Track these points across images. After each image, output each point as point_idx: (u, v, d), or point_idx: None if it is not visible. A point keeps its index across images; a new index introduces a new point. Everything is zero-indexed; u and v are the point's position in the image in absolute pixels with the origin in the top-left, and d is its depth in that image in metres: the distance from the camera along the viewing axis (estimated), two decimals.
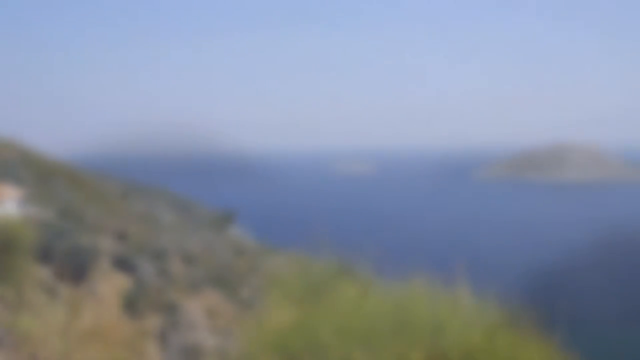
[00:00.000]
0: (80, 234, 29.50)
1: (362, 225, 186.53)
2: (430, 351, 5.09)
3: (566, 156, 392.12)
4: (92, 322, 6.74)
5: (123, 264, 30.72)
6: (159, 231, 48.11)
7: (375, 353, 5.05)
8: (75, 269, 23.72)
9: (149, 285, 27.70)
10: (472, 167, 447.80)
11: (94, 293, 25.04)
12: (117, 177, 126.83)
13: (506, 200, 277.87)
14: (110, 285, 28.31)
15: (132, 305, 24.83)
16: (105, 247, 33.42)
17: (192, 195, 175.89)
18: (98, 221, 41.51)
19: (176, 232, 52.19)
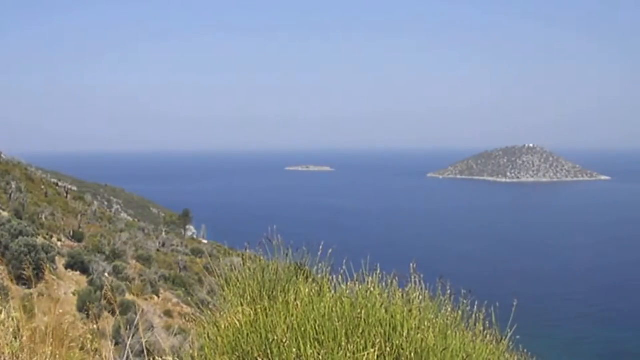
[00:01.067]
0: (35, 234, 29.10)
1: (318, 224, 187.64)
2: (384, 350, 5.14)
3: (521, 158, 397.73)
4: (46, 322, 6.65)
5: (78, 264, 30.39)
6: (115, 231, 47.66)
7: (329, 352, 5.08)
8: (30, 269, 23.40)
9: (105, 285, 27.40)
10: (428, 168, 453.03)
11: (49, 293, 24.73)
12: (73, 176, 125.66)
13: (458, 199, 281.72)
14: (65, 286, 27.99)
15: (87, 305, 24.57)
16: (60, 247, 33.02)
17: (148, 195, 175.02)
18: (53, 221, 40.98)
19: (132, 232, 51.72)
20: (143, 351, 8.02)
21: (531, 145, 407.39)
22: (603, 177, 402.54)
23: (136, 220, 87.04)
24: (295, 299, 5.91)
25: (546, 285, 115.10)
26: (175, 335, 22.61)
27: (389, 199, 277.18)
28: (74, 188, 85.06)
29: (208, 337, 6.03)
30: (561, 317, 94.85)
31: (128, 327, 21.54)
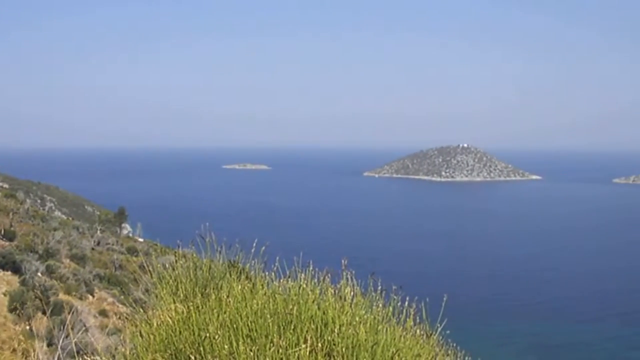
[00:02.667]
0: None
1: (254, 222, 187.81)
2: (316, 346, 5.19)
3: (455, 158, 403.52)
4: None
5: (10, 264, 29.75)
6: (48, 230, 46.72)
7: (262, 348, 5.11)
8: None
9: (37, 285, 26.89)
10: (364, 167, 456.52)
11: None
12: (5, 174, 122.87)
13: (392, 198, 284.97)
14: None
15: (19, 306, 24.09)
16: None
17: (83, 193, 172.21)
18: None
19: (66, 230, 50.79)
20: (76, 352, 7.91)
21: (465, 145, 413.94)
22: (534, 177, 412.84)
23: (70, 218, 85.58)
24: (228, 296, 5.93)
25: (478, 282, 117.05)
26: (111, 335, 22.33)
27: (324, 197, 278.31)
28: (6, 185, 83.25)
29: (141, 335, 6.00)
30: (492, 312, 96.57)
31: (61, 327, 21.19)
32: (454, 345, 6.32)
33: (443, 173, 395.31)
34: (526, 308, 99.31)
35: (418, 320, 6.02)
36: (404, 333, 5.80)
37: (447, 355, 6.18)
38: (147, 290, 7.60)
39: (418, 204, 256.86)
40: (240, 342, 5.16)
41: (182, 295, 6.46)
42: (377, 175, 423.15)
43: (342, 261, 6.05)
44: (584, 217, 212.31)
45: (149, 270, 6.91)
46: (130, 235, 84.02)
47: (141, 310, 6.46)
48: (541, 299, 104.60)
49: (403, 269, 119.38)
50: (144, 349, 5.78)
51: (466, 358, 6.43)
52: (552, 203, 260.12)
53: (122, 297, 33.83)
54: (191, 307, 5.88)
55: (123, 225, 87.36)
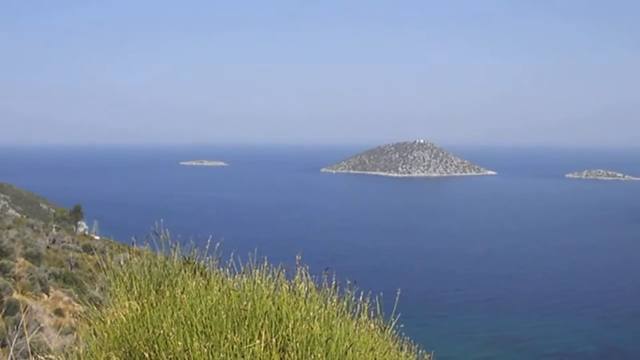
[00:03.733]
0: None
1: (210, 218, 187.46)
2: (270, 341, 5.21)
3: (412, 154, 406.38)
4: None
5: None
6: (1, 228, 46.04)
7: (216, 344, 5.12)
8: None
9: None
10: (321, 163, 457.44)
11: None
12: None
13: (349, 193, 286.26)
14: None
15: None
16: None
17: (38, 190, 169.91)
18: None
19: (20, 228, 50.07)
20: (30, 352, 7.82)
21: (422, 141, 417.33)
22: (489, 172, 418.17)
23: (25, 216, 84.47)
24: (183, 293, 5.92)
25: (436, 278, 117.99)
26: (66, 334, 22.10)
27: (281, 193, 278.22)
28: None
29: (94, 334, 5.96)
30: (450, 307, 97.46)
31: (15, 327, 20.92)
32: (408, 339, 6.38)
33: (400, 169, 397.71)
34: (484, 303, 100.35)
35: (372, 315, 6.07)
36: (358, 327, 5.86)
37: (402, 349, 6.23)
38: (102, 289, 7.54)
39: (374, 200, 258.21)
40: (194, 339, 5.16)
41: (136, 292, 6.42)
42: (334, 172, 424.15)
43: (297, 257, 6.08)
44: (537, 213, 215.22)
45: (103, 268, 6.87)
46: (87, 233, 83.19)
47: (95, 308, 6.41)
48: (498, 294, 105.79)
49: (358, 264, 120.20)
50: (98, 348, 5.75)
51: (420, 351, 6.49)
52: (506, 198, 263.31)
53: (78, 295, 33.50)
54: (145, 305, 5.87)
55: (79, 223, 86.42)
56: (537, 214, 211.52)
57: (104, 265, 6.84)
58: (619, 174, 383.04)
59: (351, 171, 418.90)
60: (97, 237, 71.99)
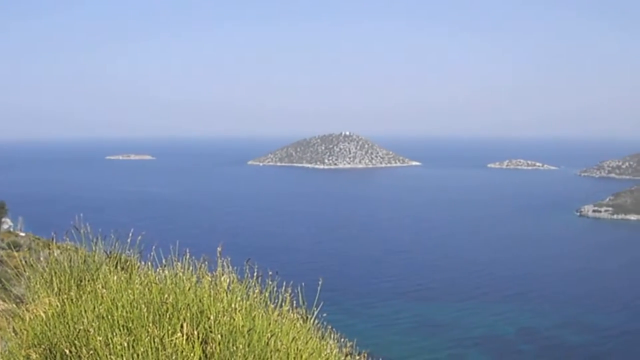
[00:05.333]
0: None
1: (136, 211, 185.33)
2: (192, 334, 5.21)
3: (338, 146, 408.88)
4: None
5: None
6: None
7: (137, 338, 5.10)
8: None
9: None
10: (248, 156, 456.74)
11: None
12: None
13: (275, 185, 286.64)
14: None
15: None
16: None
17: None
18: None
19: None
20: None
21: (348, 133, 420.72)
22: (414, 163, 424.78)
23: None
24: (104, 287, 5.87)
25: (363, 266, 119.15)
26: None
27: (207, 186, 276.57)
28: None
29: (14, 331, 5.87)
30: (376, 294, 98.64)
31: None
32: (330, 327, 6.45)
33: (326, 160, 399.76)
34: (411, 291, 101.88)
35: (295, 305, 6.13)
36: (280, 318, 5.91)
37: (324, 337, 6.30)
38: (28, 286, 7.41)
39: (299, 191, 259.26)
40: (115, 333, 5.13)
41: (56, 288, 6.34)
42: (261, 164, 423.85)
43: (218, 248, 6.09)
44: (460, 203, 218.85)
45: (22, 265, 6.76)
46: (12, 229, 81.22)
47: (14, 306, 6.32)
48: (423, 281, 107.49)
49: (283, 254, 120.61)
50: (17, 346, 5.65)
51: (342, 339, 6.57)
52: (430, 188, 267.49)
53: (4, 294, 32.73)
54: (66, 300, 5.80)
55: (4, 219, 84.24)
56: (460, 204, 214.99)
57: (22, 262, 6.74)
58: (538, 164, 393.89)
59: (278, 163, 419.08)
60: (22, 234, 70.32)
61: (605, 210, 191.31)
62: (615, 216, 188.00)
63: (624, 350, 79.96)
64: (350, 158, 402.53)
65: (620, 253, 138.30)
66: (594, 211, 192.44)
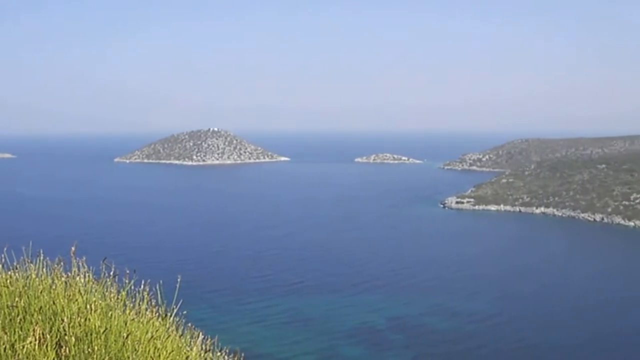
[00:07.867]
0: None
1: None
2: (45, 337, 5.08)
3: (206, 142, 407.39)
4: None
5: None
6: None
7: None
8: None
9: None
10: (115, 153, 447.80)
11: None
12: None
13: (141, 182, 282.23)
14: None
15: None
16: None
17: None
18: None
19: None
20: None
21: (216, 129, 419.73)
22: (283, 158, 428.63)
23: None
24: None
25: (235, 264, 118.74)
26: None
27: (70, 185, 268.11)
28: None
29: None
30: (248, 291, 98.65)
31: None
32: (191, 325, 6.42)
33: (194, 157, 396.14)
34: (285, 287, 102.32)
35: (154, 303, 6.06)
36: (138, 317, 5.83)
37: (183, 335, 6.26)
38: None
39: (163, 187, 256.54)
40: None
41: None
42: (127, 161, 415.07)
43: (71, 248, 5.95)
44: (327, 197, 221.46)
45: None
46: None
47: None
48: (298, 278, 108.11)
49: (142, 253, 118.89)
50: None
51: (204, 336, 6.55)
52: (298, 183, 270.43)
53: None
54: None
55: None
56: (327, 198, 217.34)
57: None
58: (404, 158, 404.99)
59: (145, 160, 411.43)
60: None
61: (467, 202, 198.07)
62: (476, 207, 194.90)
63: (488, 332, 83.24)
64: (218, 154, 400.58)
65: (481, 241, 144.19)
66: (457, 202, 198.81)
